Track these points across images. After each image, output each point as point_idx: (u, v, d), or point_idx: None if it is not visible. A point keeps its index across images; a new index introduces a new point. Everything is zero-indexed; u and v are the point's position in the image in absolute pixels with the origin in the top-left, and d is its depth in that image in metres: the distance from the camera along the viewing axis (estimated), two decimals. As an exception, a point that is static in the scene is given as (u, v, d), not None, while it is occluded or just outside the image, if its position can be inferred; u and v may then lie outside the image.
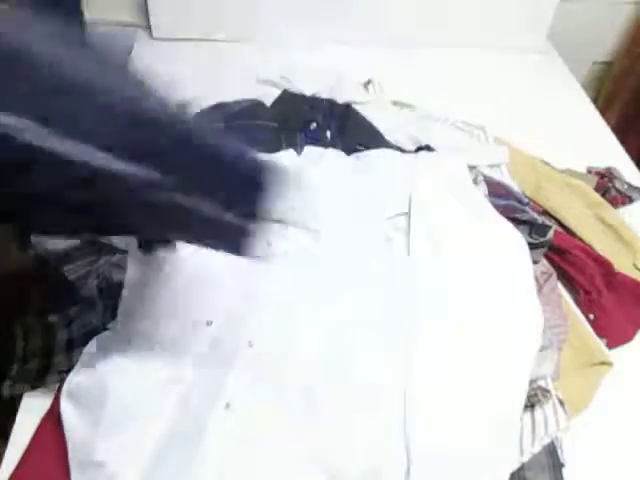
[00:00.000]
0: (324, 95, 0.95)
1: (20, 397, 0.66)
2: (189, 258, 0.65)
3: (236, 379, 0.57)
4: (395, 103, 1.03)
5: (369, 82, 1.09)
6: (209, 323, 0.61)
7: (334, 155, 0.77)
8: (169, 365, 0.59)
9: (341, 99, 0.93)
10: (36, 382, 0.67)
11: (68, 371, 0.63)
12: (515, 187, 0.88)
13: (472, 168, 0.85)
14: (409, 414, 0.55)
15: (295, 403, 0.56)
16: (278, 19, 1.29)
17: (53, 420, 0.62)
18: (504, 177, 0.89)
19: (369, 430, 0.55)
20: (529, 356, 0.61)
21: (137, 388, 0.57)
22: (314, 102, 0.90)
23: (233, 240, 0.48)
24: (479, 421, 0.58)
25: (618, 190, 0.96)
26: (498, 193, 0.80)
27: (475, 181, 0.79)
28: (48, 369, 0.68)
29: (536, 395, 0.64)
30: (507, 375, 0.61)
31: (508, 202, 0.79)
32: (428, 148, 0.85)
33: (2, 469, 0.60)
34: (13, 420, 0.64)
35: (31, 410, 0.65)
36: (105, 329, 0.66)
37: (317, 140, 0.82)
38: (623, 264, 0.84)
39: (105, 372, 0.58)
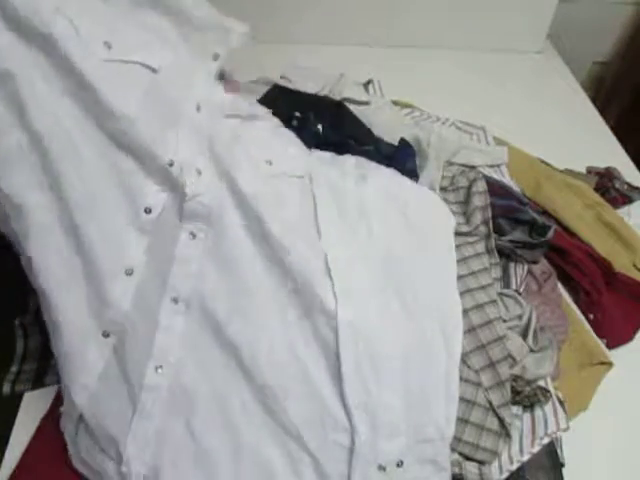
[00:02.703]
0: (324, 94, 0.95)
1: (20, 397, 0.67)
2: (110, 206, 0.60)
3: (163, 340, 0.56)
4: (395, 103, 1.03)
5: (369, 82, 1.09)
6: (128, 272, 0.58)
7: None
8: (94, 316, 0.57)
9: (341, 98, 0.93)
10: (36, 382, 0.67)
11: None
12: (515, 187, 0.88)
13: (472, 168, 0.85)
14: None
15: (225, 363, 0.56)
16: (278, 19, 1.29)
17: (53, 420, 0.62)
18: (504, 177, 0.89)
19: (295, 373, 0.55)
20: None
21: (66, 338, 0.57)
22: (303, 97, 0.89)
23: None
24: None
25: (618, 190, 0.96)
26: (498, 193, 0.80)
27: (475, 180, 0.79)
28: (48, 369, 0.68)
29: (536, 395, 0.64)
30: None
31: (508, 202, 0.79)
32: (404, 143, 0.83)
33: (2, 469, 0.60)
34: (13, 420, 0.64)
35: (31, 410, 0.65)
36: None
37: (304, 131, 0.80)
38: (623, 264, 0.84)
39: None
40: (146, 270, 0.58)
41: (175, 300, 0.57)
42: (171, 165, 0.57)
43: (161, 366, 0.56)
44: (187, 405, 0.55)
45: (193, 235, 0.59)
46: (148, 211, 0.58)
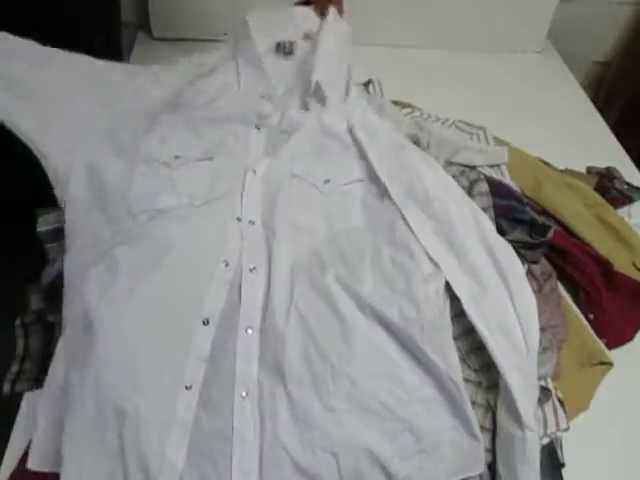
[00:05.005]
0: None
1: (20, 397, 0.66)
2: None
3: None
4: (395, 103, 1.03)
5: (369, 82, 1.09)
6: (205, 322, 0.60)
7: None
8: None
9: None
10: (36, 382, 0.67)
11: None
12: (515, 187, 0.87)
13: (472, 168, 0.85)
14: None
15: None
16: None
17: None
18: (504, 177, 0.89)
19: None
20: None
21: None
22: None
23: None
24: None
25: (618, 190, 0.96)
26: (498, 193, 0.80)
27: (476, 181, 0.79)
28: (48, 369, 0.68)
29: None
30: None
31: (508, 202, 0.79)
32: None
33: (2, 469, 0.60)
34: (13, 420, 0.64)
35: (31, 410, 0.65)
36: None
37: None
38: (623, 264, 0.84)
39: None
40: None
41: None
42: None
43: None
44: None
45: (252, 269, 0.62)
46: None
